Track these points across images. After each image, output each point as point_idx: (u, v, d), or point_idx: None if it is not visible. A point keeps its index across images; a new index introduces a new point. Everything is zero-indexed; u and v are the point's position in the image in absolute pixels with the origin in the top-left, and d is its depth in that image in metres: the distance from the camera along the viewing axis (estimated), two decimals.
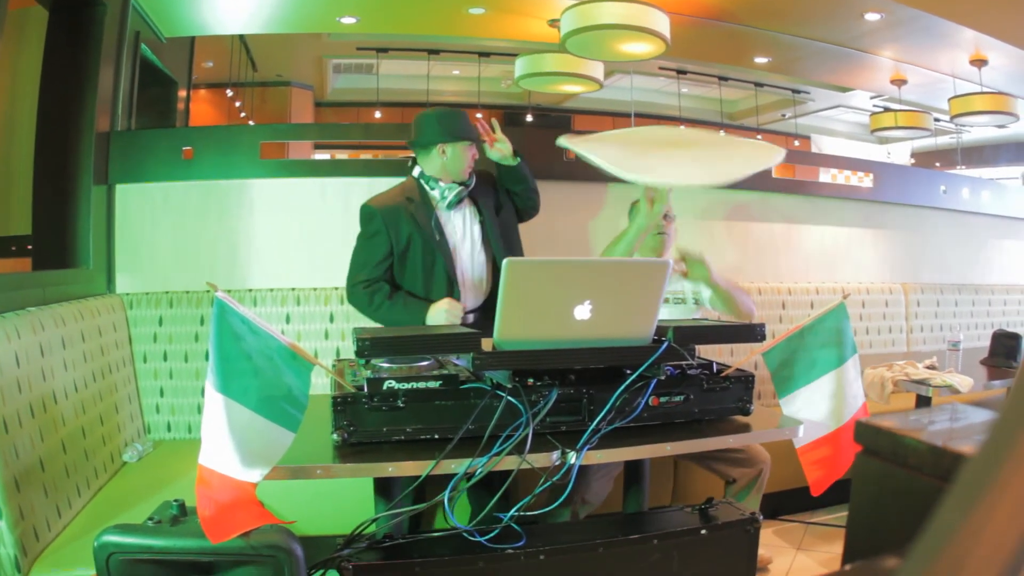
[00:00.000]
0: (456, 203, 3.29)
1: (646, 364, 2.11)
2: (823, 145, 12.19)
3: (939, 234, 5.51)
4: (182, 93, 6.25)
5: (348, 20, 4.97)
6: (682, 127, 6.11)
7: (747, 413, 2.35)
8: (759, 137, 11.74)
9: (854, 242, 5.18)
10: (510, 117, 10.82)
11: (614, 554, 2.32)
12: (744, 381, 2.33)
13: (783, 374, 2.46)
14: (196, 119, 8.48)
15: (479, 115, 3.39)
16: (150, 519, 1.94)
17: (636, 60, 4.87)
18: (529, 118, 10.98)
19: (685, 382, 2.26)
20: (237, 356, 1.83)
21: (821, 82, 7.99)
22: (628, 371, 2.15)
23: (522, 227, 3.59)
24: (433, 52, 9.06)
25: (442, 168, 3.27)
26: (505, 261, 1.92)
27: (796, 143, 11.92)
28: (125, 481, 3.26)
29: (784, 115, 11.03)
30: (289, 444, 1.89)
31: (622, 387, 2.11)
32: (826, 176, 11.83)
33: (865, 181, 5.11)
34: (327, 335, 3.98)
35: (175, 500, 1.98)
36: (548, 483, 2.02)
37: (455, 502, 2.02)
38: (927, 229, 5.46)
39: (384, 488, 2.49)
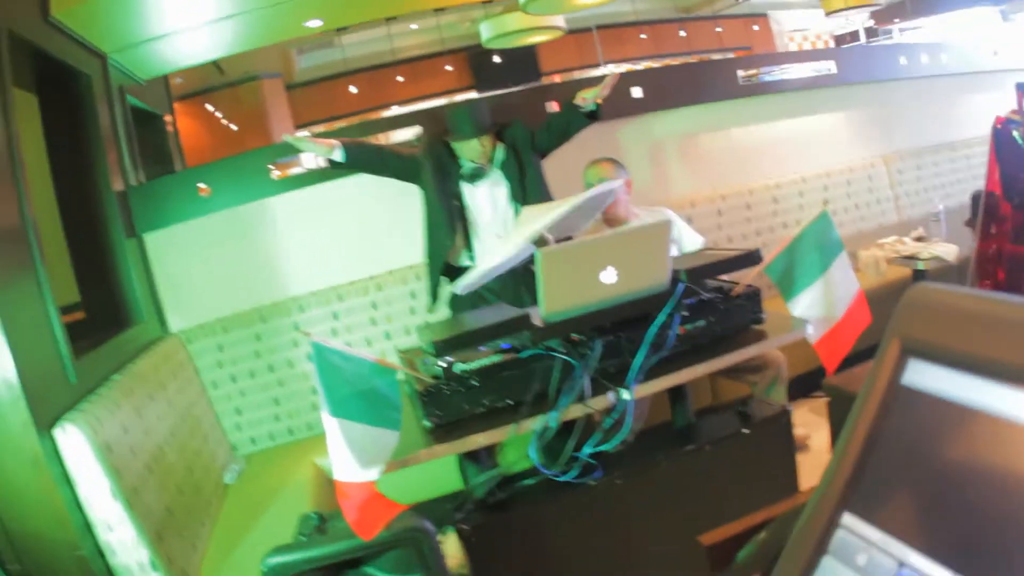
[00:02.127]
0: (476, 180, 3.64)
1: (671, 303, 2.47)
2: (782, 20, 12.39)
3: (907, 103, 5.72)
4: (167, 118, 6.50)
5: (314, 23, 5.17)
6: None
7: (761, 322, 2.73)
8: (719, 29, 11.95)
9: (828, 127, 5.43)
10: (475, 58, 11.01)
11: (673, 464, 2.73)
12: (753, 296, 2.71)
13: (786, 282, 2.77)
14: (184, 134, 8.74)
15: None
16: (301, 535, 2.31)
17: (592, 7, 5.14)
18: (496, 59, 11.16)
19: (704, 308, 2.62)
20: (338, 383, 2.18)
21: None
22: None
23: None
24: (390, 17, 9.24)
25: (461, 154, 3.65)
26: (537, 252, 2.29)
27: (755, 27, 12.11)
28: (235, 503, 3.58)
29: (737, 0, 11.23)
30: (396, 441, 2.25)
31: (653, 325, 2.47)
32: (792, 46, 12.05)
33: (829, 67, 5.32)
34: (374, 322, 4.31)
35: (313, 513, 2.34)
36: (611, 420, 2.39)
37: (536, 454, 2.40)
38: (895, 101, 5.67)
39: (471, 455, 2.87)
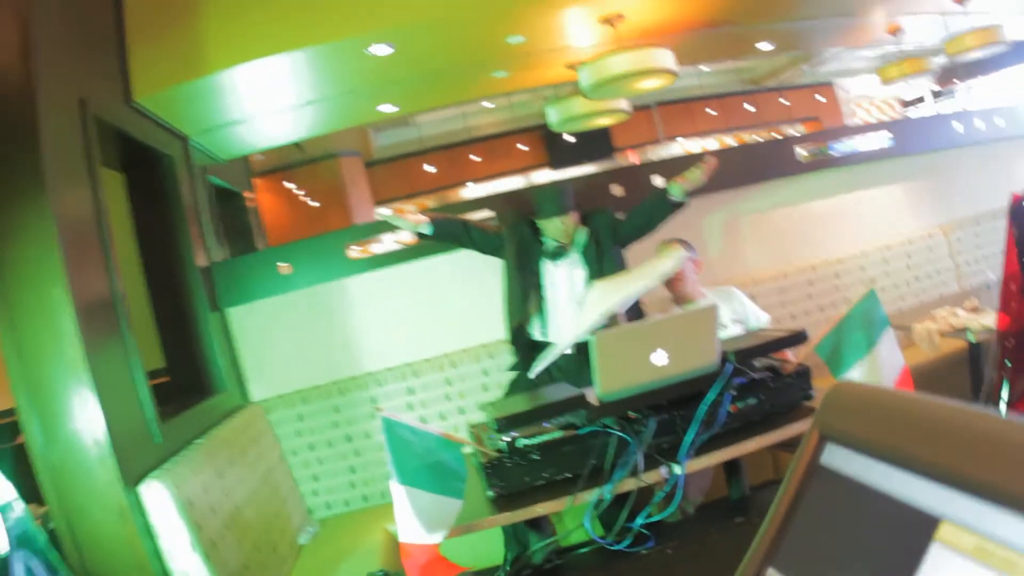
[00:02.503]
0: (558, 257, 3.81)
1: (720, 384, 2.61)
2: (848, 88, 12.47)
3: (964, 170, 5.72)
4: (247, 194, 6.83)
5: (387, 108, 5.45)
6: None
7: (810, 399, 2.85)
8: (784, 101, 12.08)
9: (887, 199, 5.48)
10: (548, 136, 11.23)
11: (725, 536, 2.85)
12: (803, 374, 2.84)
13: (835, 359, 2.88)
14: (264, 209, 9.12)
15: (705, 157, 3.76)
16: None
17: (649, 93, 5.37)
18: (569, 137, 11.38)
19: (755, 387, 2.76)
20: (407, 454, 2.37)
21: (826, 47, 8.38)
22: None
23: None
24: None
25: (544, 231, 3.82)
26: (592, 337, 2.47)
27: (817, 96, 12.20)
28: (308, 562, 3.78)
29: (804, 69, 11.36)
30: (460, 508, 2.43)
31: (703, 404, 2.61)
32: (854, 121, 12.09)
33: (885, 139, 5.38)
34: (448, 397, 4.50)
35: (380, 571, 2.53)
36: (663, 493, 2.53)
37: (592, 524, 2.55)
38: (953, 168, 5.69)
39: (532, 522, 3.02)
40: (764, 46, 6.29)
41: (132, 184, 4.37)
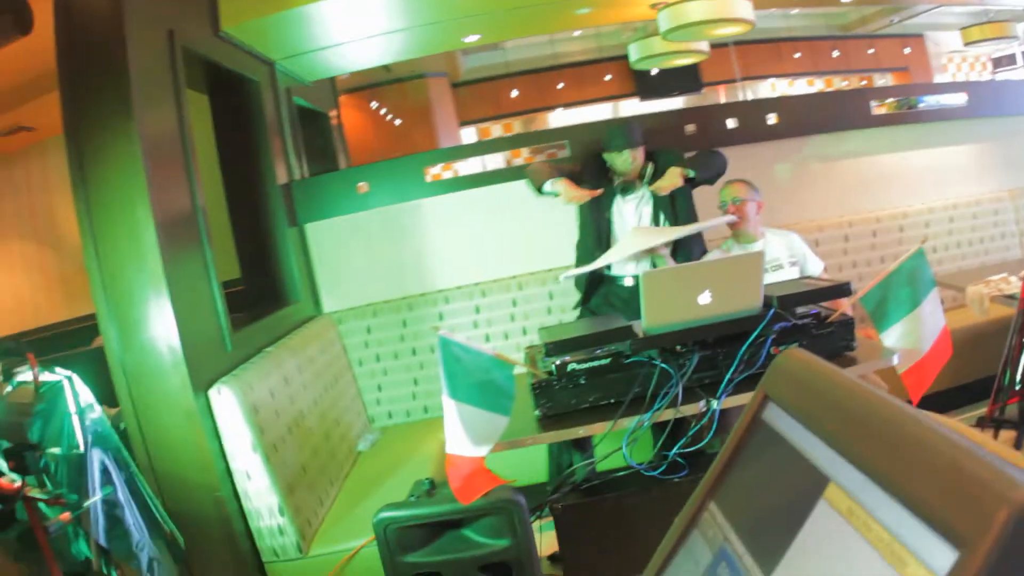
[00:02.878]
0: (628, 194, 3.96)
1: (760, 326, 2.74)
2: (940, 41, 12.15)
3: None
4: (332, 113, 7.00)
5: (471, 38, 5.54)
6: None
7: (852, 349, 2.93)
8: (871, 51, 11.83)
9: (957, 159, 5.43)
10: (636, 71, 11.19)
11: None
12: (846, 324, 2.91)
13: (879, 313, 2.95)
14: (348, 127, 9.28)
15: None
16: (411, 496, 2.71)
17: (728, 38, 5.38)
18: (654, 71, 11.31)
19: (798, 332, 2.85)
20: (459, 371, 2.55)
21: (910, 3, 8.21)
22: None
23: None
24: None
25: (612, 165, 3.99)
26: (641, 276, 2.63)
27: (907, 49, 11.92)
28: (364, 468, 4.04)
29: (892, 20, 11.08)
30: (506, 425, 2.61)
31: (745, 344, 2.74)
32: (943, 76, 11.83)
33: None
34: (512, 318, 4.69)
35: (426, 479, 2.74)
36: (698, 425, 2.68)
37: (632, 448, 2.71)
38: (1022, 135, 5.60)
39: (576, 444, 3.22)
40: None
41: (217, 106, 4.56)
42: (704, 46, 6.02)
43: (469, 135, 11.30)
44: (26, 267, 7.25)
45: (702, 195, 4.11)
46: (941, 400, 4.43)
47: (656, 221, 3.99)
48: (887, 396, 0.72)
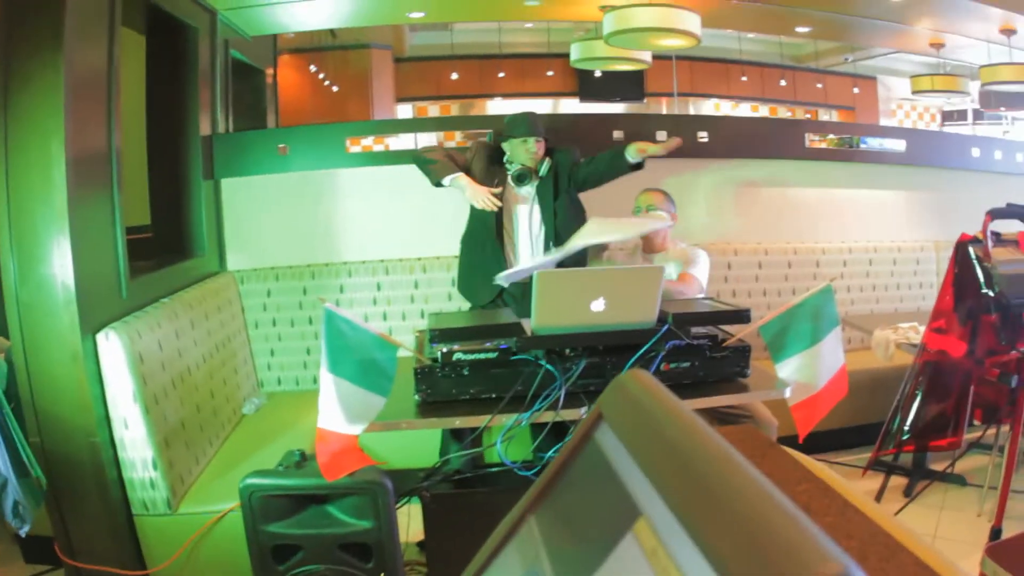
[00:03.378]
0: (521, 182, 3.92)
1: (652, 340, 2.72)
2: (892, 87, 12.37)
3: (972, 193, 5.57)
4: (269, 70, 6.87)
5: (416, 14, 5.49)
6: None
7: (744, 376, 2.92)
8: (820, 85, 11.98)
9: (885, 203, 5.48)
10: (580, 72, 11.18)
11: None
12: (741, 351, 2.90)
13: (777, 344, 2.95)
14: (283, 87, 9.12)
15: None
16: (280, 465, 2.65)
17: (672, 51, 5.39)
18: (598, 73, 11.32)
19: (691, 352, 2.85)
20: (342, 347, 2.50)
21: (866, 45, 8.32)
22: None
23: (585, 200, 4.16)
24: None
25: (512, 154, 3.94)
26: (535, 274, 2.60)
27: (856, 89, 12.10)
28: (245, 431, 3.98)
29: (847, 58, 11.24)
30: (382, 406, 2.56)
31: (634, 357, 2.73)
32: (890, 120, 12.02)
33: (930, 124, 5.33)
34: (412, 299, 4.65)
35: (297, 450, 2.68)
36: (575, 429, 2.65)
37: (507, 447, 2.67)
38: (959, 189, 5.64)
39: (455, 434, 3.17)
40: (801, 29, 6.28)
41: (153, 48, 4.46)
42: (646, 56, 6.02)
43: (405, 111, 11.23)
44: None
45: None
46: (833, 439, 4.49)
47: (548, 223, 3.97)
48: (720, 440, 0.67)
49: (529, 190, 3.95)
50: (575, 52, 6.20)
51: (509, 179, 3.91)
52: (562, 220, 3.92)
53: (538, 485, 0.91)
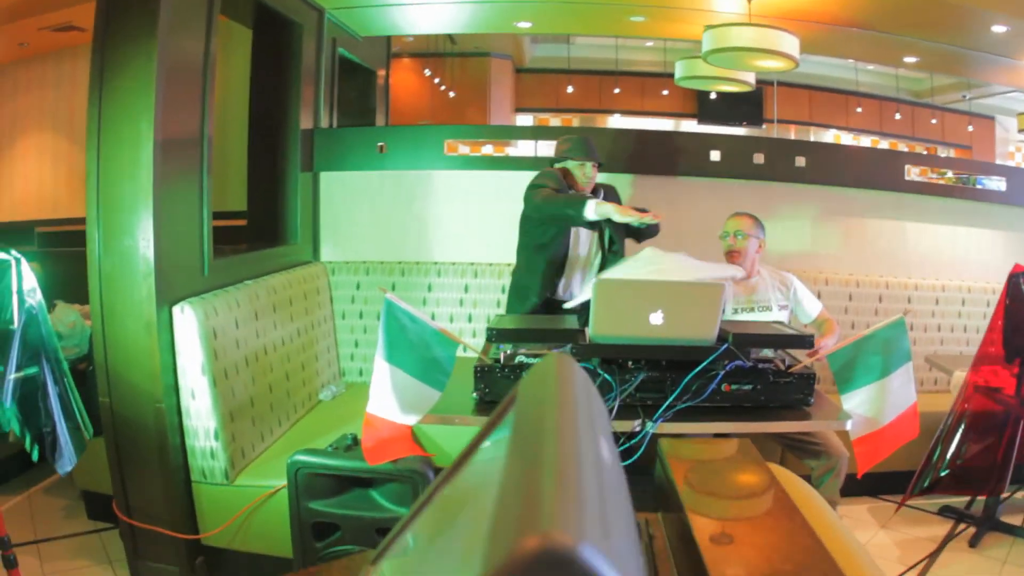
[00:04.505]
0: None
1: (710, 358, 2.72)
2: (1010, 128, 11.97)
3: None
4: (381, 72, 7.03)
5: (523, 24, 5.55)
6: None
7: (808, 404, 2.86)
8: (934, 121, 11.68)
9: (983, 243, 5.31)
10: (701, 92, 11.12)
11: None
12: (806, 378, 2.85)
13: (845, 375, 2.90)
14: (397, 89, 9.29)
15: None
16: (330, 446, 2.75)
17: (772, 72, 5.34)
18: (712, 95, 11.28)
19: (754, 374, 2.82)
20: (400, 337, 2.58)
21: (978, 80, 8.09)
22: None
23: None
24: None
25: (573, 175, 3.97)
26: (595, 280, 2.62)
27: (970, 127, 11.75)
28: (318, 416, 4.09)
29: (964, 96, 10.94)
30: (436, 399, 2.63)
31: (692, 373, 2.72)
32: (1007, 162, 11.63)
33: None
34: (499, 304, 4.70)
35: (351, 433, 2.77)
36: (627, 444, 2.66)
37: None
38: None
39: None
40: (909, 59, 6.14)
41: (259, 42, 4.65)
42: (749, 77, 5.98)
43: (525, 121, 11.36)
44: (54, 160, 7.37)
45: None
46: (900, 480, 4.35)
47: (602, 241, 4.00)
48: (582, 422, 0.67)
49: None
50: (679, 70, 6.18)
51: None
52: (613, 246, 3.99)
53: (456, 461, 0.94)
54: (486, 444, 0.88)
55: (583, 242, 4.02)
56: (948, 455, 3.72)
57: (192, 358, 3.19)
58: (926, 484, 3.76)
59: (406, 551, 0.97)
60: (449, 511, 0.89)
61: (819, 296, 4.69)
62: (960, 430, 3.72)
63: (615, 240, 3.95)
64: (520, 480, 0.56)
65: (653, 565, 1.24)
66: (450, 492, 0.91)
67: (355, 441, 2.77)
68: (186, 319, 3.18)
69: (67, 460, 2.86)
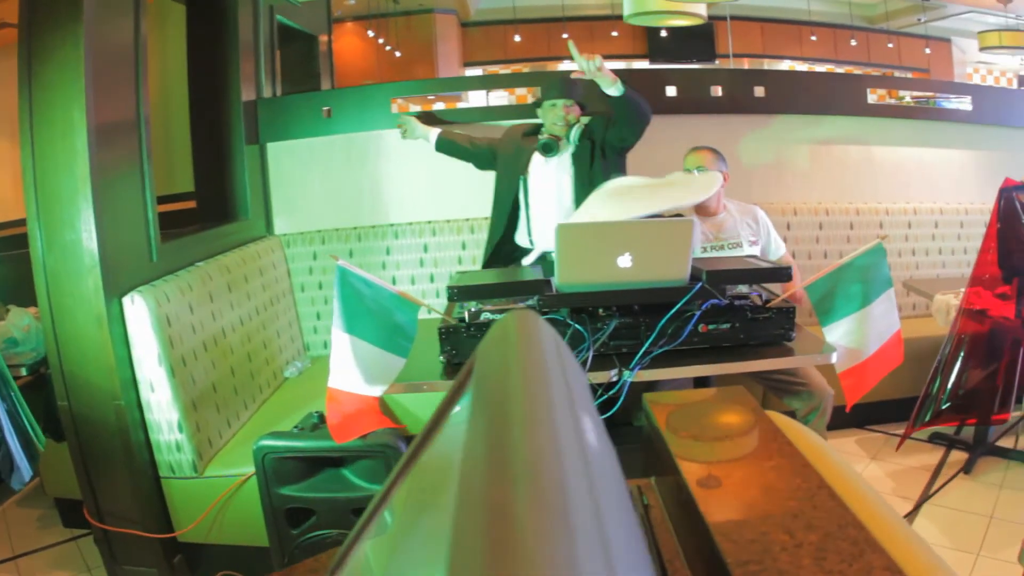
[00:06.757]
0: (548, 153, 3.77)
1: (685, 299, 2.60)
2: (967, 50, 11.91)
3: None
4: (323, 38, 6.82)
5: None
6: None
7: (789, 339, 2.76)
8: (890, 45, 11.59)
9: (952, 163, 5.22)
10: (652, 29, 10.98)
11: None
12: (786, 312, 2.75)
13: (825, 306, 2.80)
14: (342, 55, 9.08)
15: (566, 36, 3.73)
16: (296, 427, 2.61)
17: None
18: (663, 33, 11.15)
19: (731, 312, 2.71)
20: (356, 305, 2.44)
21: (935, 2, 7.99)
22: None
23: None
24: None
25: (544, 121, 3.83)
26: (557, 225, 2.46)
27: (927, 50, 11.68)
28: (285, 394, 3.96)
29: (919, 19, 10.84)
30: (401, 367, 2.49)
31: (667, 316, 2.60)
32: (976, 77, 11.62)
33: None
34: (460, 261, 4.58)
35: (316, 412, 2.63)
36: (604, 396, 2.53)
37: None
38: None
39: None
40: None
41: (192, 16, 4.46)
42: (701, 10, 5.79)
43: (474, 75, 11.18)
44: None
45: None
46: (888, 410, 4.30)
47: (583, 192, 3.78)
48: (549, 386, 0.54)
49: (560, 160, 3.81)
50: (628, 7, 5.99)
51: (538, 148, 3.78)
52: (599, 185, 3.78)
53: (413, 445, 0.81)
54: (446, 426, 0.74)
55: (544, 186, 3.85)
56: (949, 385, 3.65)
57: (147, 349, 3.05)
58: (927, 418, 3.70)
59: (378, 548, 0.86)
60: (416, 511, 0.77)
61: (788, 227, 4.60)
62: (960, 357, 3.65)
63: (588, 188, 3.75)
64: (483, 497, 0.40)
65: (652, 538, 1.12)
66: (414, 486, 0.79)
67: (321, 419, 2.63)
68: (137, 309, 3.03)
69: (24, 473, 2.77)
